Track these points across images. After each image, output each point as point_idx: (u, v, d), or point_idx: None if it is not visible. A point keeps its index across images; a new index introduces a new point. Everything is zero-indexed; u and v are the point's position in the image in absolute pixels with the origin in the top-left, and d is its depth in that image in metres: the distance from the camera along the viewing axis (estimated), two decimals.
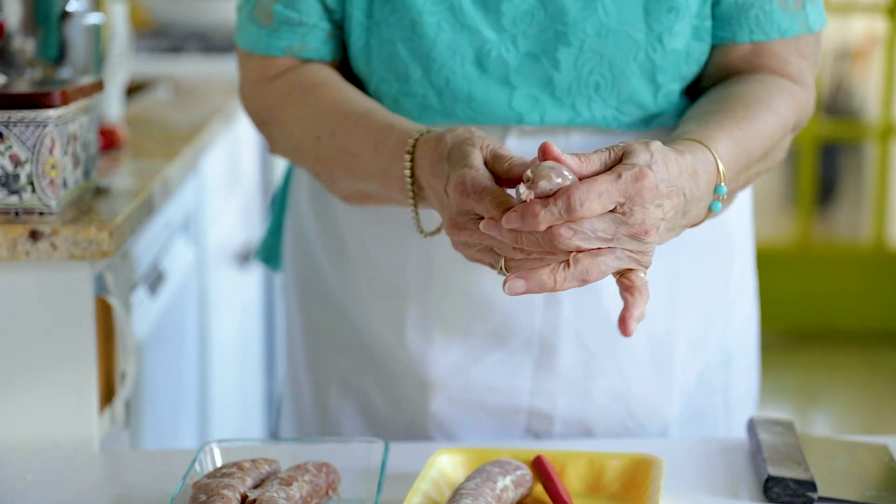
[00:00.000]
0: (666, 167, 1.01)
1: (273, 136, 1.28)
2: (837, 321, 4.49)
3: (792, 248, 4.57)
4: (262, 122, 1.28)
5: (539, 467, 1.09)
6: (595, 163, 1.00)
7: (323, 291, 1.35)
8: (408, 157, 1.10)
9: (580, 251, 0.98)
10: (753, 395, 1.40)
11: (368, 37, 1.20)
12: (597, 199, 0.96)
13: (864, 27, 4.95)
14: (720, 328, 1.32)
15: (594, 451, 1.13)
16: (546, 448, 1.14)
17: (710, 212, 1.09)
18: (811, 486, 1.09)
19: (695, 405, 1.31)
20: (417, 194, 1.12)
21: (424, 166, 1.09)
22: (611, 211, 0.97)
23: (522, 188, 0.97)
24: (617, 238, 0.98)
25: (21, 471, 1.17)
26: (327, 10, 1.22)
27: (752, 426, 1.22)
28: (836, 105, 5.02)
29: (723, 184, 1.07)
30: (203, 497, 1.00)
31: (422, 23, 1.17)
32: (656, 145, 1.02)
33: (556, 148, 0.99)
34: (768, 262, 4.56)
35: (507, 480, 1.05)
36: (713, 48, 1.22)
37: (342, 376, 1.34)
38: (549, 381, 1.26)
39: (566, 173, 0.98)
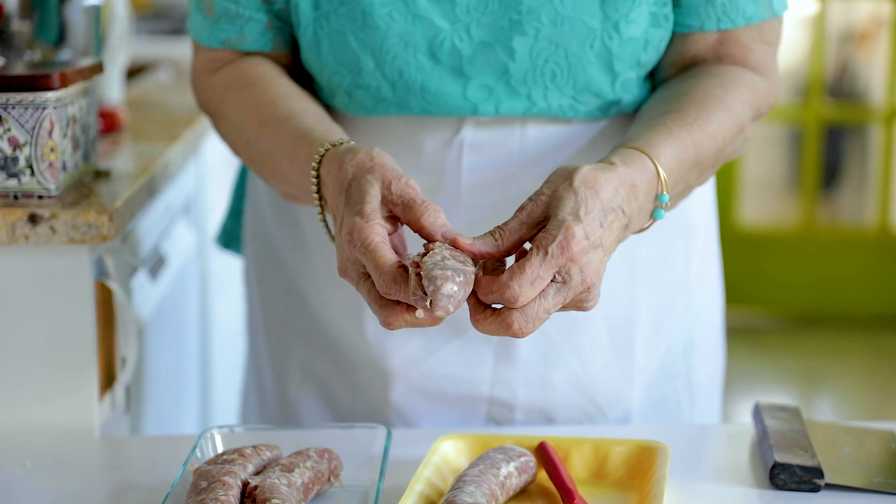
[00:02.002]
0: (597, 198, 1.00)
1: (217, 128, 1.27)
2: (841, 305, 4.48)
3: (796, 231, 4.55)
4: (208, 114, 1.28)
5: (543, 454, 1.08)
6: (514, 232, 1.00)
7: (282, 278, 1.34)
8: (314, 173, 1.09)
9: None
10: (719, 380, 1.40)
11: (317, 28, 1.18)
12: (530, 286, 0.96)
13: (870, 10, 4.93)
14: (681, 313, 1.31)
15: (599, 437, 1.11)
16: (547, 434, 1.13)
17: (653, 219, 1.08)
18: (818, 472, 1.08)
19: (657, 391, 1.31)
20: (325, 207, 1.10)
21: (329, 186, 1.07)
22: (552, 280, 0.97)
23: (420, 312, 0.95)
24: (566, 302, 0.99)
25: (20, 456, 1.16)
26: (266, 1, 1.20)
27: (757, 412, 1.21)
28: (840, 88, 4.99)
29: (665, 192, 1.07)
30: (204, 484, 0.99)
31: (373, 14, 1.15)
32: (580, 177, 1.01)
33: (466, 239, 0.99)
34: (772, 246, 4.56)
35: (511, 467, 1.04)
36: (677, 36, 1.20)
37: (303, 363, 1.34)
38: (508, 370, 1.25)
39: (461, 266, 0.96)
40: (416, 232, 1.01)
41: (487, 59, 1.16)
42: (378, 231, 0.99)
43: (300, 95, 1.20)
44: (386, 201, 1.02)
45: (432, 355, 1.26)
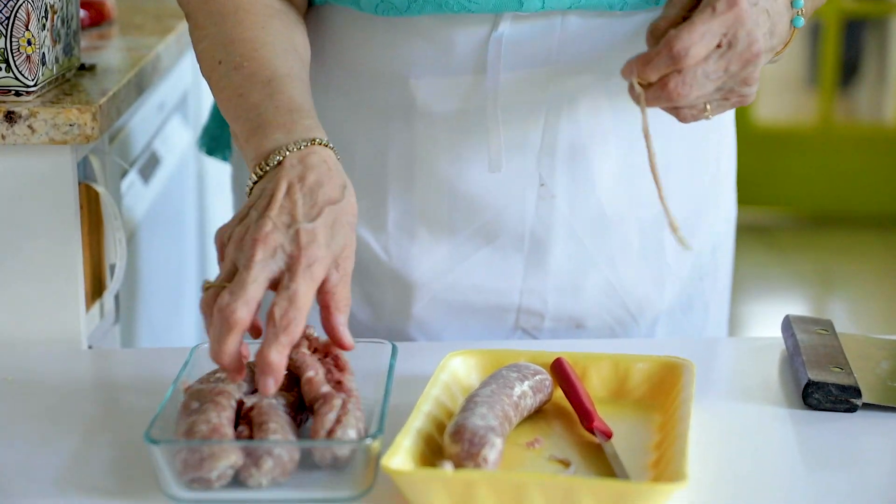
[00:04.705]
0: None
1: (190, 30, 1.12)
2: (858, 204, 4.40)
3: (813, 129, 4.46)
4: (184, 13, 1.14)
5: (559, 371, 1.01)
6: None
7: None
8: (254, 177, 0.98)
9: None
10: (731, 279, 1.38)
11: None
12: (700, 41, 0.97)
13: None
14: (712, 212, 1.28)
15: (618, 353, 1.04)
16: (572, 344, 1.06)
17: (794, 28, 1.06)
18: (855, 391, 1.01)
19: (686, 293, 1.28)
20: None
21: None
22: (717, 46, 0.98)
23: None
24: (729, 72, 0.99)
25: (1, 370, 1.09)
26: None
27: (787, 325, 1.13)
28: None
29: None
30: (195, 405, 0.92)
31: None
32: None
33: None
34: (789, 144, 4.46)
35: (525, 386, 0.97)
36: None
37: None
38: (539, 279, 1.20)
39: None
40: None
41: None
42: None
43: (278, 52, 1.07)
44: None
45: (459, 265, 1.20)
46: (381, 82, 1.16)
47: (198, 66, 1.11)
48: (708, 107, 1.02)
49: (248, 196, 0.97)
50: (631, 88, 1.01)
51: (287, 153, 0.97)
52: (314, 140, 0.98)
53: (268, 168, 0.97)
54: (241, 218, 0.95)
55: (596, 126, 1.16)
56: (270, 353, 0.88)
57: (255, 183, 0.97)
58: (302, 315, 0.89)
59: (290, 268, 0.91)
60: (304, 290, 0.90)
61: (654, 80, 0.98)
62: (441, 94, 1.14)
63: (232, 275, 0.92)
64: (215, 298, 0.91)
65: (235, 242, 0.93)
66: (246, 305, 0.89)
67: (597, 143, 1.17)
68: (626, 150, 1.18)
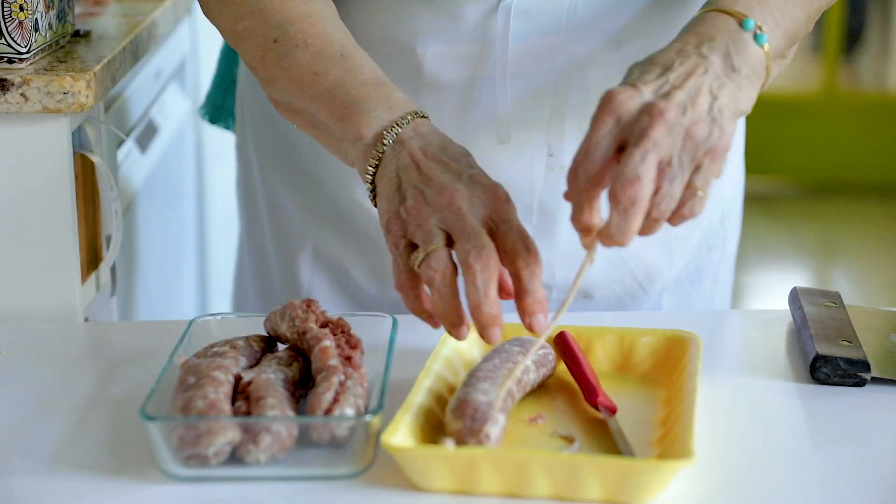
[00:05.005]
0: (645, 62, 0.90)
1: (214, 7, 1.07)
2: (861, 173, 4.38)
3: (817, 97, 4.42)
4: None
5: (563, 345, 0.99)
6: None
7: (290, 157, 1.24)
8: (368, 178, 0.96)
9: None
10: (736, 249, 1.35)
11: None
12: (642, 181, 0.85)
13: None
14: (723, 181, 1.25)
15: (623, 326, 1.02)
16: (578, 315, 1.04)
17: (762, 47, 0.94)
18: (864, 365, 0.99)
19: (694, 264, 1.26)
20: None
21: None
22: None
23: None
24: (682, 160, 0.86)
25: None
26: None
27: (795, 297, 1.11)
28: None
29: (748, 17, 0.93)
30: (192, 380, 0.90)
31: None
32: (634, 74, 0.89)
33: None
34: (790, 112, 4.43)
35: (528, 361, 0.95)
36: None
37: (315, 246, 1.24)
38: (548, 250, 1.18)
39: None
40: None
41: None
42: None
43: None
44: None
45: None
46: (388, 51, 1.14)
47: (197, 32, 1.08)
48: (703, 194, 0.88)
49: (369, 176, 0.95)
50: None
51: (399, 129, 0.96)
52: (416, 113, 0.97)
53: (385, 148, 0.95)
54: (399, 200, 0.93)
55: None
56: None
57: (375, 167, 0.96)
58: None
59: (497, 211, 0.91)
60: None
61: (628, 239, 0.86)
62: (448, 63, 1.12)
63: (429, 240, 0.90)
64: (431, 266, 0.89)
65: (415, 215, 0.91)
66: (491, 247, 0.89)
67: None
68: None
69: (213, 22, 1.09)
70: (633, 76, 0.90)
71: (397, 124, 0.96)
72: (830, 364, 1.00)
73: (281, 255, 1.28)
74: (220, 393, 0.89)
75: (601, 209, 0.89)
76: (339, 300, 1.25)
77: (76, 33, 1.29)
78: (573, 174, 0.89)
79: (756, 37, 0.94)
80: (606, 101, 0.87)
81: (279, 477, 0.85)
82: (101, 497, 0.83)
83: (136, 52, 1.34)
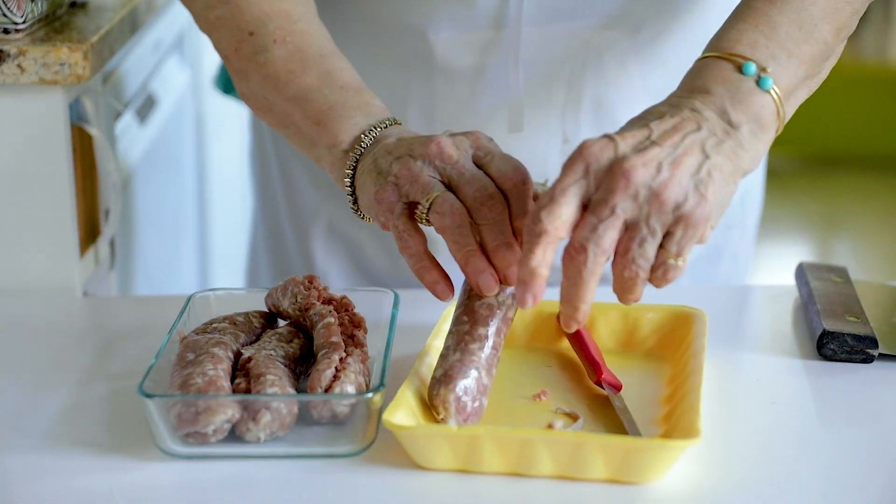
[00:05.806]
0: (633, 120, 0.85)
1: None
2: (863, 146, 4.36)
3: None
4: None
5: None
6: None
7: None
8: (347, 182, 0.95)
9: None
10: (757, 227, 1.33)
11: None
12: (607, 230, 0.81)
13: None
14: None
15: None
16: None
17: (769, 92, 0.87)
18: (871, 341, 0.98)
19: (713, 242, 1.23)
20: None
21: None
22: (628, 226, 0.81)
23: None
24: (651, 225, 0.81)
25: None
26: None
27: (801, 273, 1.10)
28: None
29: (749, 60, 0.86)
30: (191, 356, 0.89)
31: None
32: (624, 126, 0.85)
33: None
34: None
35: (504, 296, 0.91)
36: None
37: (329, 223, 1.23)
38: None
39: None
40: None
41: None
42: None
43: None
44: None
45: None
46: (400, 36, 1.12)
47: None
48: (679, 261, 0.82)
49: (348, 179, 0.94)
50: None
51: (377, 132, 0.94)
52: (394, 120, 0.95)
53: (362, 150, 0.93)
54: (384, 177, 0.90)
55: (624, 80, 1.12)
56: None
57: (354, 169, 0.94)
58: None
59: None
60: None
61: (581, 307, 0.83)
62: (460, 49, 1.10)
63: (429, 190, 0.88)
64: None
65: (406, 174, 0.89)
66: (496, 189, 0.88)
67: (624, 99, 1.13)
68: (654, 103, 1.13)
69: (184, 5, 1.07)
70: (622, 128, 0.85)
71: (375, 127, 0.94)
72: (837, 340, 0.98)
73: (295, 230, 1.26)
74: (220, 369, 0.87)
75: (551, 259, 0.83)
76: (353, 277, 1.23)
77: (73, 3, 1.27)
78: (535, 214, 0.81)
79: (760, 81, 0.86)
80: (579, 150, 0.82)
81: (279, 455, 0.84)
82: (99, 475, 0.82)
83: (134, 22, 1.32)
